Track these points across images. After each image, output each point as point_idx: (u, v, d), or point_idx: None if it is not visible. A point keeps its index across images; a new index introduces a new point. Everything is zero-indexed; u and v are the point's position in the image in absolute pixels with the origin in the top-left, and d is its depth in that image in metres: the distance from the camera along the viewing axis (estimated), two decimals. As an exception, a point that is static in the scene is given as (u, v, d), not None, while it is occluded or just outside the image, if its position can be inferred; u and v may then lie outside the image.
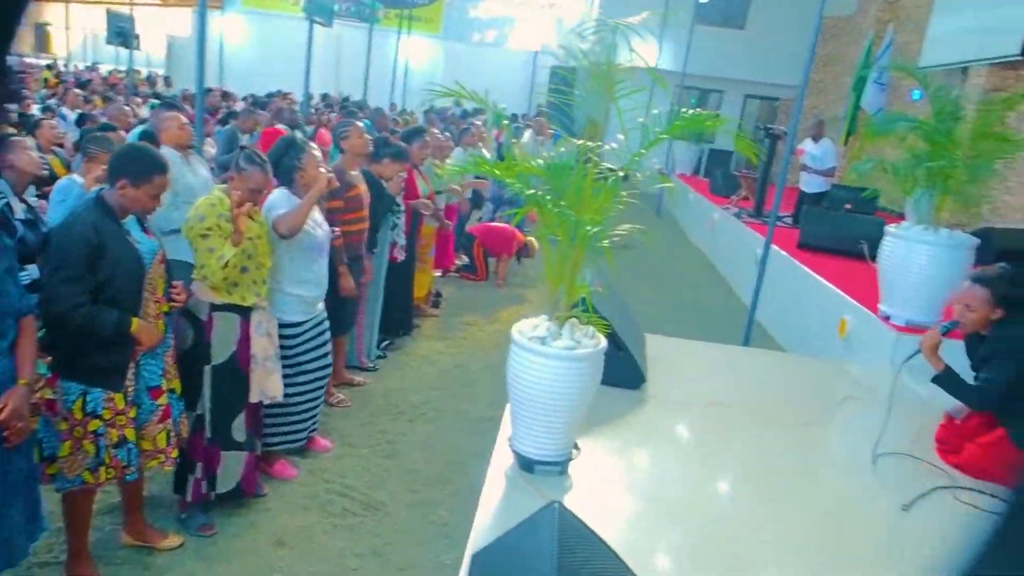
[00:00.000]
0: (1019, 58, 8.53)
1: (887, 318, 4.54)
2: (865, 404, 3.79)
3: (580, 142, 2.35)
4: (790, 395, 3.85)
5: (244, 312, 3.09)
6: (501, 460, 2.58)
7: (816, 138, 8.51)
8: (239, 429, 3.23)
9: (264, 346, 3.10)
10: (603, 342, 2.47)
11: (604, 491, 2.51)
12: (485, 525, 2.15)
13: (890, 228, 4.56)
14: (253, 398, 3.10)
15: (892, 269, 4.51)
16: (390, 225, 4.85)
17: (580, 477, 2.54)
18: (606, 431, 2.95)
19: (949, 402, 3.28)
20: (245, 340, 3.10)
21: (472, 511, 2.28)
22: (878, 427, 3.18)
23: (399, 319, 5.32)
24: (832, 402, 3.72)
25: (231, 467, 3.22)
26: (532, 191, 2.20)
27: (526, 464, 2.47)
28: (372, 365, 4.88)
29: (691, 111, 2.36)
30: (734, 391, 3.69)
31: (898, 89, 12.05)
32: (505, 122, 2.50)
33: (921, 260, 4.32)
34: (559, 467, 2.48)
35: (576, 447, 2.61)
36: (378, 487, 3.47)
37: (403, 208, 5.00)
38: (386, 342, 5.21)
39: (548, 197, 2.22)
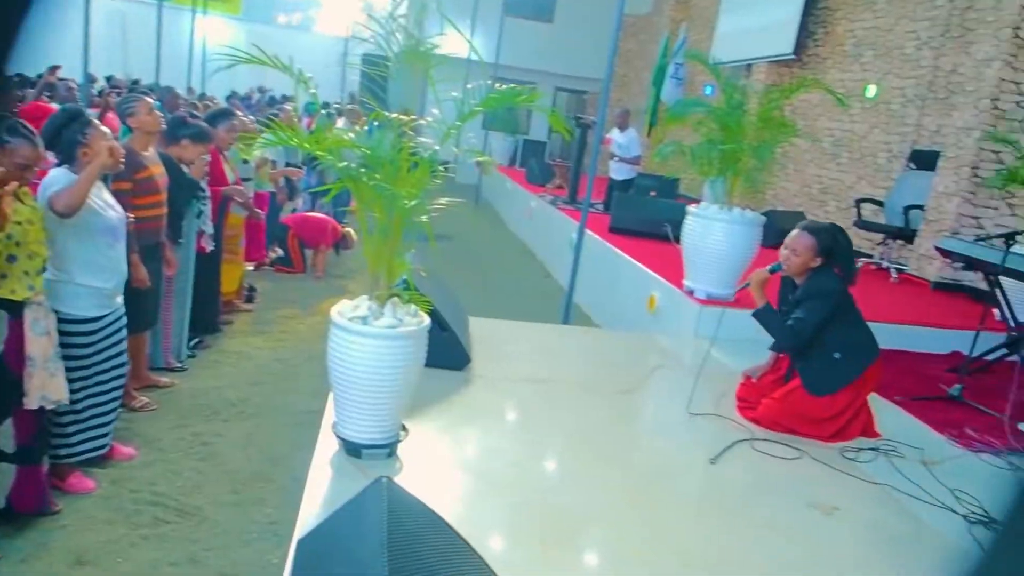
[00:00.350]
0: (792, 57, 9.55)
1: (691, 292, 4.89)
2: (673, 371, 4.07)
3: (395, 116, 2.29)
4: (607, 367, 4.04)
5: (14, 308, 2.71)
6: (326, 448, 2.48)
7: (622, 128, 9.01)
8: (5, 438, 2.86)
9: (44, 346, 2.73)
10: (426, 320, 2.44)
11: (434, 469, 2.48)
12: (312, 515, 2.05)
13: (691, 209, 4.91)
14: (32, 404, 2.73)
15: (693, 247, 4.86)
16: (195, 212, 4.49)
17: (410, 458, 2.49)
18: (433, 412, 2.92)
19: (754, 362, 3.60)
20: (16, 339, 2.72)
21: (300, 505, 2.16)
22: (687, 391, 3.42)
23: (205, 315, 4.94)
24: (645, 371, 3.95)
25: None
26: (345, 163, 2.11)
27: (353, 449, 2.39)
28: (181, 365, 4.50)
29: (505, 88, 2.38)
30: (555, 367, 3.81)
31: (693, 84, 13.05)
32: (321, 111, 2.39)
33: (717, 237, 4.70)
34: (387, 449, 2.42)
35: (404, 429, 2.56)
36: (193, 492, 3.20)
37: (208, 195, 4.65)
38: (195, 340, 4.82)
39: (363, 171, 2.14)
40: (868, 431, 3.32)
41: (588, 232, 6.16)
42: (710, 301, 4.76)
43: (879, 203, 7.19)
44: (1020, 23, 6.05)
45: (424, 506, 1.58)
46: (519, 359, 3.81)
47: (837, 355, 3.22)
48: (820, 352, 3.23)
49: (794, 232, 3.26)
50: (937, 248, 4.72)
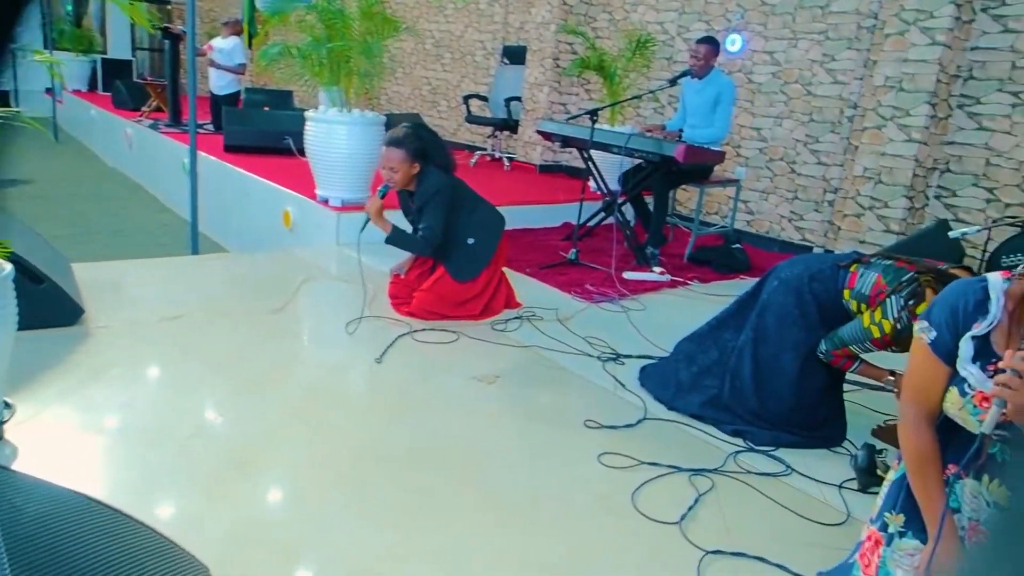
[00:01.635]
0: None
1: (325, 201, 4.74)
2: (321, 282, 3.95)
3: None
4: (251, 291, 3.77)
5: None
6: None
7: (225, 36, 8.20)
8: None
9: None
10: (6, 267, 1.96)
11: (61, 444, 2.07)
12: None
13: (310, 114, 4.69)
14: None
15: (319, 154, 4.68)
16: None
17: (25, 438, 2.04)
18: (47, 378, 2.43)
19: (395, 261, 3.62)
20: None
21: None
22: (338, 300, 3.34)
23: None
24: (292, 287, 3.76)
25: None
26: None
27: (-66, 447, 1.86)
28: None
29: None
30: (191, 301, 3.43)
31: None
32: None
33: (342, 141, 4.58)
34: (-13, 435, 1.94)
35: (7, 406, 2.08)
36: None
37: None
38: None
39: None
40: (511, 303, 3.62)
41: (202, 154, 5.58)
42: (346, 208, 4.68)
43: (484, 98, 7.70)
44: None
45: (53, 487, 1.28)
46: (146, 300, 3.34)
47: (471, 240, 3.40)
48: (455, 242, 3.38)
49: (382, 151, 3.27)
50: (539, 131, 5.21)
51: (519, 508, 1.99)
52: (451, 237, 3.37)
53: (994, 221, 4.11)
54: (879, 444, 2.41)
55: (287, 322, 3.34)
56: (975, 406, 1.31)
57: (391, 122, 6.56)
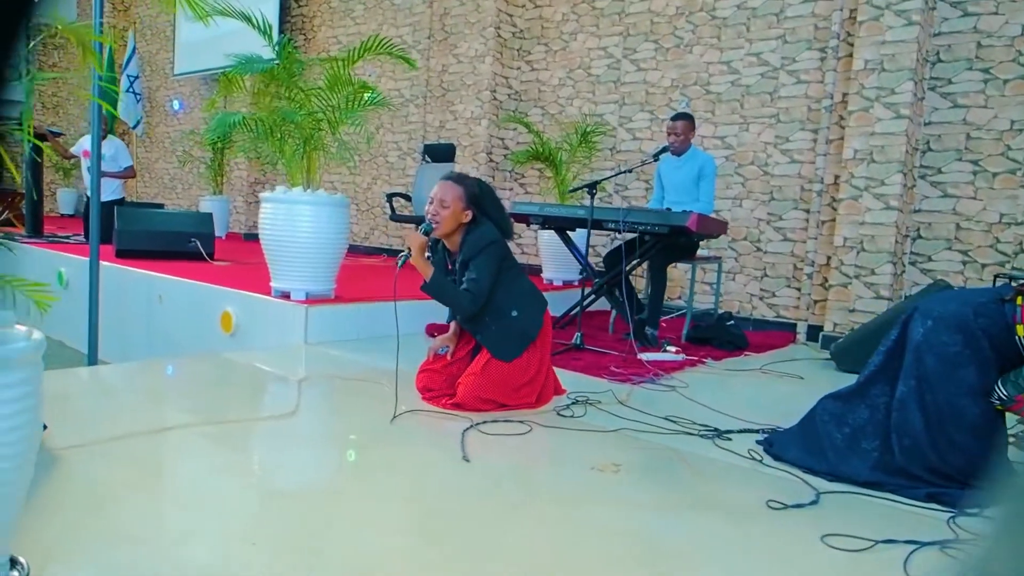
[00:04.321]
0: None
1: (286, 295, 4.06)
2: (320, 384, 3.26)
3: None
4: (235, 396, 3.01)
5: None
6: None
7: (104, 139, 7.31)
8: None
9: None
10: (34, 335, 1.27)
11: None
12: None
13: (265, 196, 4.07)
14: None
15: (278, 241, 4.03)
16: None
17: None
18: (44, 523, 1.63)
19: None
20: None
21: None
22: (356, 397, 2.70)
23: None
24: (290, 388, 3.04)
25: None
26: None
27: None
28: None
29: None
30: (168, 412, 2.64)
31: (155, 100, 11.58)
32: None
33: (305, 224, 3.98)
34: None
35: (15, 565, 1.31)
36: None
37: None
38: None
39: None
40: (558, 389, 3.13)
41: (80, 260, 4.74)
42: (312, 301, 4.03)
43: (408, 197, 7.31)
44: (499, 23, 6.78)
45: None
46: (112, 412, 2.53)
47: (515, 312, 2.93)
48: (497, 314, 2.89)
49: (438, 185, 2.86)
50: (513, 214, 4.87)
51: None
52: (493, 306, 2.88)
53: None
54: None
55: (311, 426, 2.64)
56: None
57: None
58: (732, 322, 4.65)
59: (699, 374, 3.79)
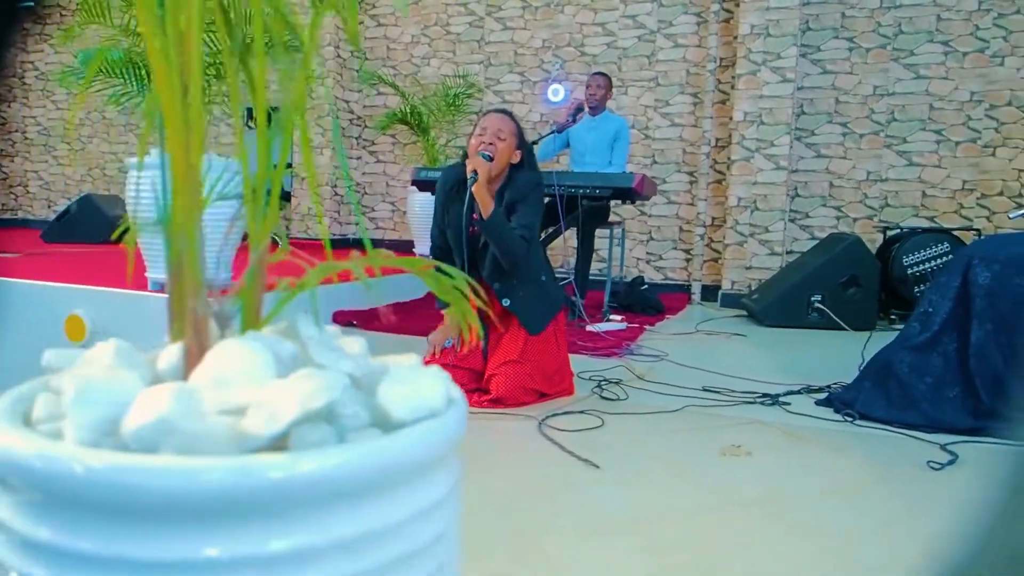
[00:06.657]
0: None
1: (162, 288, 3.19)
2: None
3: None
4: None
5: None
6: None
7: None
8: None
9: None
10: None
11: None
12: None
13: (132, 162, 3.15)
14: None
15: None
16: None
17: None
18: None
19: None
20: None
21: None
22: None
23: None
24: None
25: None
26: None
27: None
28: None
29: None
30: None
31: None
32: None
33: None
34: None
35: None
36: None
37: None
38: None
39: None
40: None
41: None
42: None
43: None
44: (339, 42, 6.04)
45: None
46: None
47: (544, 277, 2.56)
48: (526, 276, 2.51)
49: (492, 117, 2.49)
50: (415, 181, 4.33)
51: None
52: (523, 267, 2.47)
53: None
54: None
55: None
56: None
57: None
58: (645, 286, 4.59)
59: (658, 340, 3.65)
